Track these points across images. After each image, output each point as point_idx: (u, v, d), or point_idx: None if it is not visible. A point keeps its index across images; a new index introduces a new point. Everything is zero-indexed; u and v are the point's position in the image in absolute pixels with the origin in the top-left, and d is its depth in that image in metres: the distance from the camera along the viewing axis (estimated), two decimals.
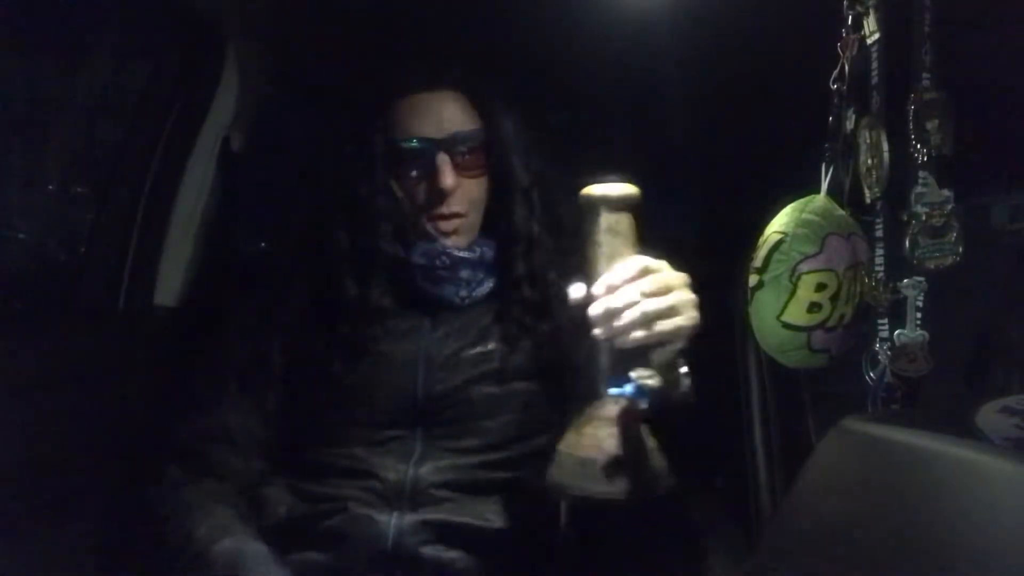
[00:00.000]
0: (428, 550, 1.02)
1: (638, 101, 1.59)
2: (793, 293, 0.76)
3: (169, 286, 1.38)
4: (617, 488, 0.79)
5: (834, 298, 0.76)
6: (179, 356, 1.34)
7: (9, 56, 1.28)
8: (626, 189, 0.84)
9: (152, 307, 1.37)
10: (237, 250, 1.58)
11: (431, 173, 1.09)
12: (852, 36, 0.83)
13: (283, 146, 1.70)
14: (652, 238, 0.88)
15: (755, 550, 0.77)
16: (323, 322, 1.10)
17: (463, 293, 1.14)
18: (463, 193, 1.12)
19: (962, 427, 0.59)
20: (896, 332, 0.75)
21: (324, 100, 1.57)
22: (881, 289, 0.76)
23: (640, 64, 1.38)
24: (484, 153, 1.14)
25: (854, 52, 0.83)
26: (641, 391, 0.78)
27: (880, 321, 0.77)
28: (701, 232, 1.96)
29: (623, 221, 0.84)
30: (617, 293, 0.80)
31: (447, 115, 1.12)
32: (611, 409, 0.82)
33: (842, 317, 0.77)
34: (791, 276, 0.76)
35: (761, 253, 0.79)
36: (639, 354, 0.81)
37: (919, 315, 0.74)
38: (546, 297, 1.14)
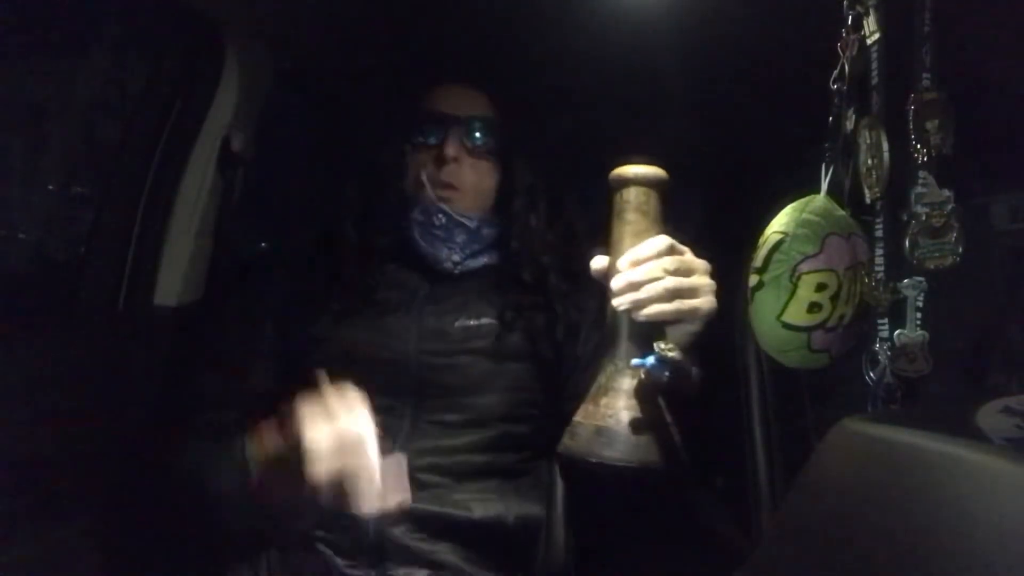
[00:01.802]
0: (411, 540, 1.03)
1: (637, 102, 1.59)
2: (793, 293, 0.76)
3: (169, 286, 1.38)
4: (633, 457, 0.79)
5: (834, 298, 0.76)
6: (179, 355, 1.34)
7: (9, 56, 1.28)
8: (655, 170, 0.86)
9: (152, 307, 1.37)
10: (237, 250, 1.58)
11: (440, 142, 1.20)
12: (852, 36, 0.83)
13: (284, 145, 1.70)
14: None
15: (755, 550, 0.77)
16: (326, 268, 1.18)
17: (456, 258, 1.19)
18: (463, 169, 1.21)
19: (962, 427, 0.59)
20: (896, 332, 0.75)
21: (338, 86, 1.61)
22: (881, 289, 0.76)
23: (639, 65, 1.38)
24: (495, 144, 1.23)
25: (854, 52, 0.83)
26: (663, 362, 0.78)
27: (880, 321, 0.77)
28: (701, 232, 1.96)
29: (651, 201, 0.86)
30: (641, 267, 0.82)
31: (466, 103, 1.23)
32: (627, 381, 0.82)
33: (842, 317, 0.77)
34: (791, 276, 0.76)
35: (761, 253, 0.79)
36: (656, 331, 0.83)
37: (919, 315, 0.74)
38: (542, 281, 1.20)
